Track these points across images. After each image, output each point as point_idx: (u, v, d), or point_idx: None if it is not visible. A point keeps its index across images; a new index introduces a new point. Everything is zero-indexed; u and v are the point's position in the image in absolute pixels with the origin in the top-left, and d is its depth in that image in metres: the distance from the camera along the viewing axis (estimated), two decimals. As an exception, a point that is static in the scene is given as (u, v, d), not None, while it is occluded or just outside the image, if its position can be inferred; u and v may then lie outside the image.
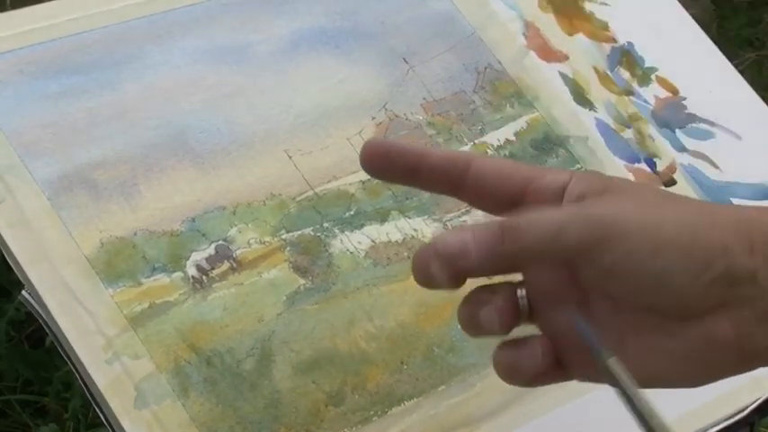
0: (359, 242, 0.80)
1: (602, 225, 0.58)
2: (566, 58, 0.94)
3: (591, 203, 0.60)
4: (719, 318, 0.58)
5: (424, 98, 0.88)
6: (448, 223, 0.82)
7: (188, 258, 0.76)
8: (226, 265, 0.76)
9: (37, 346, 1.71)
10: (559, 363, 0.62)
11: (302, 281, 0.77)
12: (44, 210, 0.74)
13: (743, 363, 0.60)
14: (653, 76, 0.96)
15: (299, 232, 0.79)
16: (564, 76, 0.93)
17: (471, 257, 0.59)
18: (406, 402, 0.75)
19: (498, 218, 0.61)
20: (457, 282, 0.61)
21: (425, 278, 0.61)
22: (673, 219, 0.59)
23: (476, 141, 0.87)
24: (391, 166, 0.64)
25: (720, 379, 0.61)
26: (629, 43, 0.97)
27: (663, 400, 0.79)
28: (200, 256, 0.76)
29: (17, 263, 0.73)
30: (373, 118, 0.85)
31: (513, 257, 0.59)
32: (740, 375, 0.62)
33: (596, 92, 0.93)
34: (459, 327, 0.75)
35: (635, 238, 0.58)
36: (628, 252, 0.57)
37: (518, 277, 0.63)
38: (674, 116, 0.95)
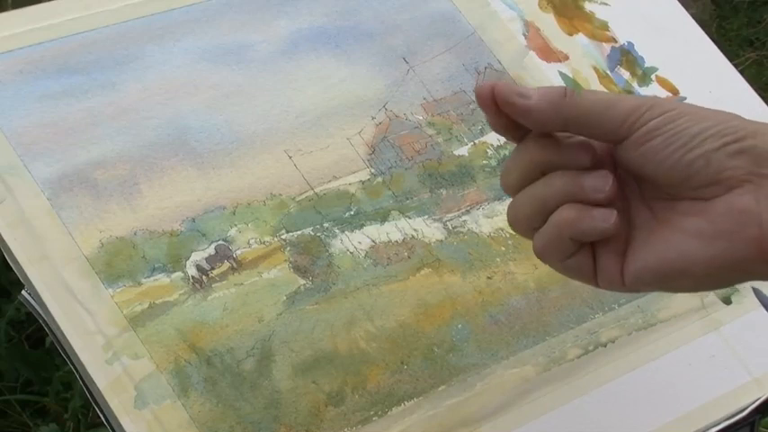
0: (359, 242, 0.80)
1: (651, 100, 0.64)
2: (566, 57, 0.94)
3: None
4: (744, 192, 0.62)
5: (424, 98, 0.88)
6: (448, 223, 0.82)
7: (188, 258, 0.76)
8: (226, 265, 0.76)
9: (37, 346, 1.71)
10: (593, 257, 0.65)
11: (302, 281, 0.77)
12: (44, 210, 0.74)
13: (763, 245, 0.62)
14: (653, 76, 0.96)
15: (299, 232, 0.79)
16: (564, 76, 0.93)
17: (532, 99, 0.64)
18: (406, 402, 0.75)
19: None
20: (514, 126, 0.65)
21: (488, 104, 0.64)
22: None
23: (476, 141, 0.87)
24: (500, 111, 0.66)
25: (743, 274, 0.63)
26: (629, 43, 0.97)
27: (665, 401, 0.80)
28: (200, 256, 0.76)
29: (17, 263, 0.73)
30: (373, 118, 0.85)
31: (569, 114, 0.64)
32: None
33: (596, 92, 0.93)
34: (459, 327, 0.75)
35: (679, 107, 0.64)
36: (671, 118, 0.63)
37: None
38: (674, 116, 0.95)
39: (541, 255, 0.65)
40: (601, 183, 0.64)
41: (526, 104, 0.64)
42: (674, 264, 0.63)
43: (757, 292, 0.61)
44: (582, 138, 0.65)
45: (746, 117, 0.64)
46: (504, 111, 0.65)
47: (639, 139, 0.64)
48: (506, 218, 0.66)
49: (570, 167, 0.64)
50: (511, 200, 0.66)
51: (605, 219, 0.63)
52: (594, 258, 0.65)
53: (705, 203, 0.63)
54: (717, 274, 0.63)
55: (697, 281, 0.64)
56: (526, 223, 0.65)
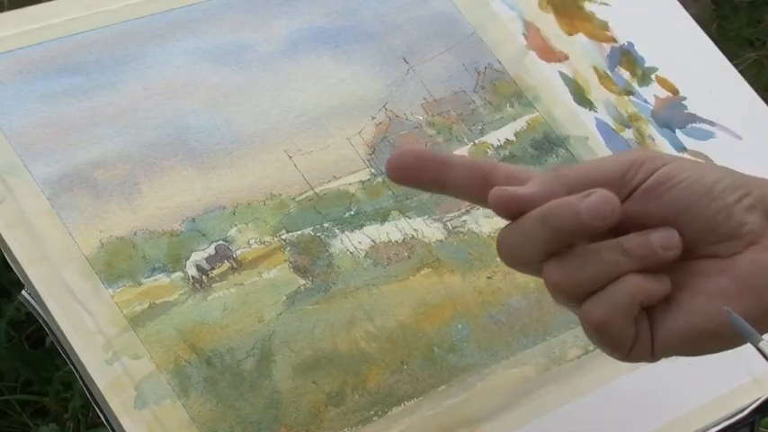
0: (359, 242, 0.80)
1: (646, 151, 0.65)
2: (566, 58, 0.94)
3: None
4: (763, 248, 0.61)
5: (424, 98, 0.88)
6: (448, 223, 0.82)
7: (188, 258, 0.76)
8: (226, 265, 0.76)
9: (37, 346, 1.71)
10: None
11: (302, 281, 0.77)
12: (44, 210, 0.74)
13: None
14: (653, 76, 0.96)
15: (299, 232, 0.79)
16: (564, 76, 0.93)
17: (531, 189, 0.62)
18: (406, 402, 0.75)
19: None
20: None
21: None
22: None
23: (476, 141, 0.87)
24: (417, 178, 0.65)
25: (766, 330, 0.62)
26: (629, 43, 0.97)
27: (665, 401, 0.80)
28: (200, 256, 0.76)
29: (17, 263, 0.73)
30: (373, 118, 0.85)
31: (567, 181, 0.62)
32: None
33: (596, 92, 0.93)
34: (459, 327, 0.75)
35: (682, 160, 0.63)
36: (680, 167, 0.62)
37: None
38: (674, 116, 0.95)
39: (600, 323, 0.62)
40: (669, 239, 0.62)
41: (523, 193, 0.62)
42: (703, 327, 0.61)
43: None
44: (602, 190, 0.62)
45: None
46: (499, 211, 0.63)
47: (655, 189, 0.62)
48: (551, 284, 0.63)
49: (598, 225, 0.61)
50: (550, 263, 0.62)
51: (662, 280, 0.62)
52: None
53: (724, 262, 0.62)
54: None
55: (726, 340, 0.62)
56: (581, 287, 0.62)
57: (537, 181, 0.63)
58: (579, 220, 0.61)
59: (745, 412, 0.81)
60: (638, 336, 0.62)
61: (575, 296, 0.62)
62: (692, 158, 0.63)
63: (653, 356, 0.63)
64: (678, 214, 0.62)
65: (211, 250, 0.76)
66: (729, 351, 0.63)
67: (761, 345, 0.61)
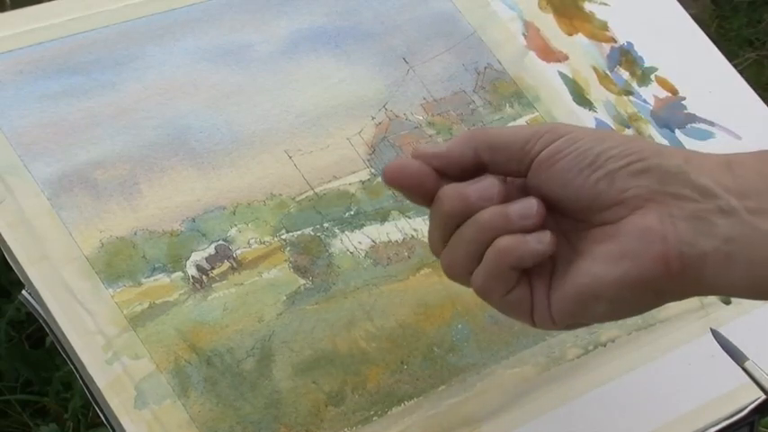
0: (359, 242, 0.80)
1: (550, 125, 0.67)
2: (566, 58, 0.94)
3: None
4: (647, 212, 0.63)
5: (424, 98, 0.88)
6: (448, 223, 0.82)
7: (188, 258, 0.76)
8: (226, 265, 0.76)
9: (37, 346, 1.71)
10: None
11: (302, 281, 0.77)
12: (44, 210, 0.74)
13: (669, 262, 0.62)
14: (653, 76, 0.96)
15: (299, 232, 0.79)
16: (564, 76, 0.93)
17: (444, 145, 0.67)
18: (406, 402, 0.75)
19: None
20: (430, 180, 0.66)
21: (398, 182, 0.68)
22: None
23: (476, 141, 0.87)
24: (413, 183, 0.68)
25: (654, 294, 0.64)
26: (629, 43, 0.97)
27: (665, 401, 0.80)
28: (200, 255, 0.76)
29: (17, 263, 0.73)
30: (373, 118, 0.85)
31: (478, 142, 0.66)
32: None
33: (596, 92, 0.93)
34: (459, 327, 0.75)
35: (578, 130, 0.65)
36: (572, 139, 0.64)
37: None
38: (673, 116, 0.95)
39: (483, 291, 0.65)
40: (527, 208, 0.64)
41: (440, 149, 0.66)
42: (586, 288, 0.63)
43: (715, 333, 0.61)
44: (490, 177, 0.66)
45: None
46: (426, 163, 0.66)
47: (545, 162, 0.64)
48: (442, 270, 0.67)
49: (484, 206, 0.65)
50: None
51: (541, 240, 0.64)
52: (532, 295, 0.65)
53: (612, 227, 0.63)
54: (630, 296, 0.63)
55: (612, 305, 0.64)
56: (463, 266, 0.65)
57: (451, 141, 0.67)
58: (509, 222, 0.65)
59: (745, 412, 0.81)
60: (534, 300, 0.65)
61: (463, 277, 0.66)
62: (599, 130, 0.65)
63: (553, 321, 0.65)
64: (565, 184, 0.64)
65: (211, 250, 0.77)
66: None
67: (746, 364, 0.61)
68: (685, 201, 0.62)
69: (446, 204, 0.66)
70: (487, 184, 0.65)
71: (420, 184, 0.67)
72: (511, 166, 0.66)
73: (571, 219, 0.65)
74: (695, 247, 0.62)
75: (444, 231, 0.66)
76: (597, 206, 0.64)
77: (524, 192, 0.66)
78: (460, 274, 0.66)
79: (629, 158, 0.63)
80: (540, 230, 0.64)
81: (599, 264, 0.63)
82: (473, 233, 0.65)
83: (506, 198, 0.65)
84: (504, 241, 0.64)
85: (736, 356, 0.61)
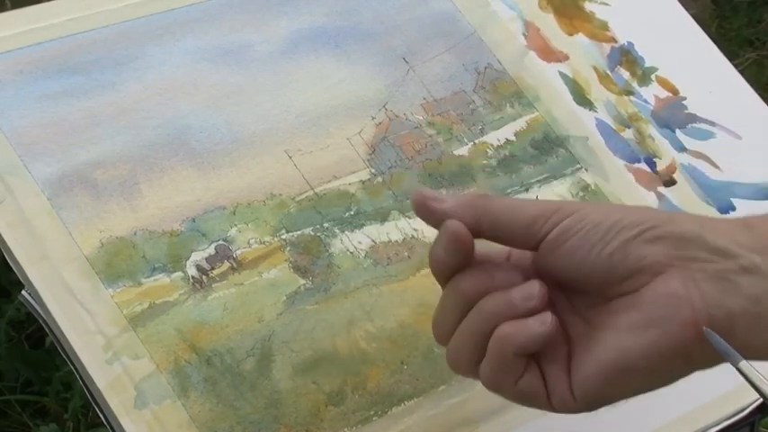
0: (359, 242, 0.80)
1: (558, 203, 0.65)
2: (566, 58, 0.94)
3: None
4: (669, 277, 0.61)
5: (424, 98, 0.88)
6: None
7: (188, 258, 0.76)
8: (226, 265, 0.76)
9: (37, 346, 1.71)
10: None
11: (302, 281, 0.77)
12: (44, 210, 0.74)
13: (698, 326, 0.61)
14: (653, 76, 0.96)
15: (299, 232, 0.79)
16: (564, 76, 0.93)
17: (446, 203, 0.64)
18: (406, 402, 0.75)
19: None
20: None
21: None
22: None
23: (476, 141, 0.87)
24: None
25: (685, 361, 0.62)
26: (629, 43, 0.97)
27: (665, 400, 0.79)
28: (200, 256, 0.76)
29: (17, 263, 0.73)
30: (373, 118, 0.85)
31: (481, 215, 0.64)
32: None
33: (596, 92, 0.93)
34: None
35: (586, 206, 0.65)
36: (581, 216, 0.63)
37: None
38: (674, 116, 0.95)
39: (492, 383, 0.64)
40: (529, 291, 0.63)
41: (441, 208, 0.64)
42: (614, 364, 0.62)
43: (709, 334, 0.61)
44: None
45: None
46: (420, 216, 0.65)
47: (555, 240, 0.63)
48: (450, 367, 0.66)
49: (492, 290, 0.63)
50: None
51: (542, 322, 0.62)
52: (545, 380, 0.63)
53: (633, 297, 0.62)
54: (659, 365, 0.62)
55: (642, 377, 0.62)
56: (468, 359, 0.64)
57: (455, 200, 0.65)
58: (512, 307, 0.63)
59: (745, 412, 0.81)
60: (549, 385, 0.63)
61: (469, 370, 0.64)
62: (607, 205, 0.64)
63: (576, 402, 0.63)
64: (578, 262, 0.63)
65: (211, 250, 0.77)
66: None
67: (741, 365, 0.61)
68: (706, 263, 0.61)
69: (464, 287, 0.64)
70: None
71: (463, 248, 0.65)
72: (514, 243, 0.65)
73: (585, 295, 0.64)
74: (723, 309, 0.60)
75: (455, 318, 0.64)
76: (614, 278, 0.62)
77: (531, 270, 0.65)
78: (467, 367, 0.64)
79: (641, 227, 0.62)
80: (542, 312, 0.62)
81: (625, 335, 0.62)
82: (477, 323, 0.63)
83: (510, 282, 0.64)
84: (505, 328, 0.62)
85: (731, 357, 0.61)
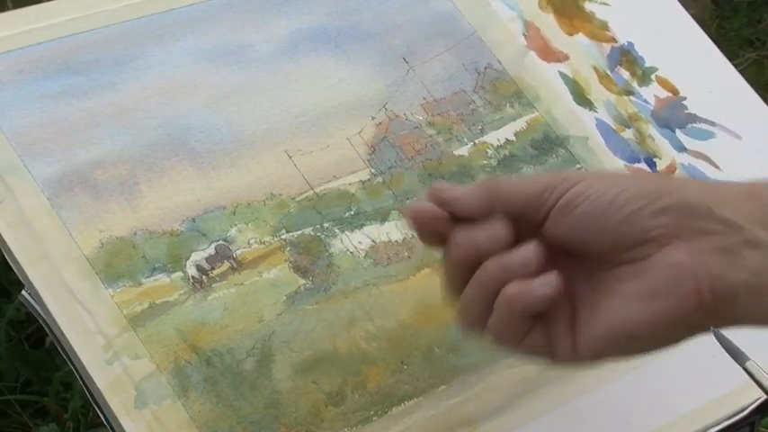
0: (359, 242, 0.80)
1: (565, 172, 0.68)
2: (566, 58, 0.94)
3: None
4: (674, 248, 0.63)
5: (424, 98, 0.88)
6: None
7: (188, 258, 0.76)
8: (226, 265, 0.76)
9: (37, 346, 1.71)
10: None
11: (302, 281, 0.77)
12: (44, 210, 0.74)
13: (701, 297, 0.62)
14: (653, 76, 0.96)
15: (299, 232, 0.79)
16: (564, 76, 0.93)
17: (459, 189, 0.66)
18: (406, 402, 0.75)
19: None
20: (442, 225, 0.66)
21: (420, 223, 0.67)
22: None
23: (476, 141, 0.87)
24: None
25: (688, 328, 0.64)
26: (629, 43, 0.97)
27: (665, 400, 0.80)
28: (200, 255, 0.76)
29: (17, 263, 0.73)
30: (373, 118, 0.85)
31: (493, 190, 0.66)
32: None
33: (596, 92, 0.93)
34: (459, 327, 0.75)
35: (593, 175, 0.66)
36: (588, 184, 0.64)
37: None
38: (674, 116, 0.95)
39: (499, 339, 0.66)
40: (526, 255, 0.64)
41: (453, 195, 0.66)
42: (620, 329, 0.64)
43: (716, 333, 0.62)
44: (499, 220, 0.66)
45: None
46: (442, 207, 0.66)
47: (563, 209, 0.64)
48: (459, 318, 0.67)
49: (496, 248, 0.65)
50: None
51: (547, 284, 0.64)
52: (550, 337, 0.65)
53: (639, 265, 0.63)
54: (663, 332, 0.64)
55: (647, 342, 0.64)
56: (478, 315, 0.65)
57: (468, 188, 0.66)
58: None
59: (745, 412, 0.81)
60: (553, 343, 0.65)
61: (479, 324, 0.66)
62: (614, 173, 0.65)
63: (580, 359, 0.65)
64: (585, 230, 0.64)
65: (211, 250, 0.77)
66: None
67: (747, 365, 0.61)
68: (711, 234, 0.62)
69: (457, 251, 0.65)
70: (497, 228, 0.65)
71: (434, 228, 0.66)
72: (526, 217, 0.66)
73: (592, 260, 0.65)
74: (726, 281, 0.62)
75: (458, 277, 0.66)
76: (621, 247, 0.64)
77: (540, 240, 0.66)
78: (477, 321, 0.66)
79: (645, 199, 0.63)
80: (546, 274, 0.64)
81: (630, 303, 0.63)
82: (480, 287, 0.65)
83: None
84: (511, 289, 0.64)
85: (738, 356, 0.61)
